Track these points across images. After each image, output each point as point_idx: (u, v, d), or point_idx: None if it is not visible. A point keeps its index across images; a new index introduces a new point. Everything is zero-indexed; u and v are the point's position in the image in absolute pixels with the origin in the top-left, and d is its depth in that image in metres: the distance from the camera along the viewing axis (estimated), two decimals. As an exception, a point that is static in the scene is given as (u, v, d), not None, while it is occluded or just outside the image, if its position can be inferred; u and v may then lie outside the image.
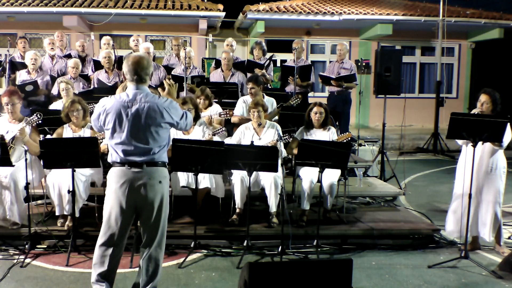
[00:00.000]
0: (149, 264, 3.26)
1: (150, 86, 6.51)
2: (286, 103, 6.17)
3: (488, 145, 4.51)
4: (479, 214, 4.59)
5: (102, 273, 3.23)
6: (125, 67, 3.17)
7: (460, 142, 4.63)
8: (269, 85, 7.31)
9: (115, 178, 3.15)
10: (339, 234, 4.90)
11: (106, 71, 6.84)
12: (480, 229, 4.60)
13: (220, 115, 5.66)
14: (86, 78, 6.98)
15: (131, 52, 7.58)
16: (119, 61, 7.19)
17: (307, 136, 5.23)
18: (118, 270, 3.99)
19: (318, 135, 5.22)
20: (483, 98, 4.52)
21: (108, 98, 3.20)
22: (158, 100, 3.17)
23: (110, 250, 3.20)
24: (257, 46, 7.51)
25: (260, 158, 4.35)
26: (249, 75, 6.64)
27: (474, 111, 4.54)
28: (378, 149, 7.72)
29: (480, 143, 4.37)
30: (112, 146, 3.16)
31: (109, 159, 3.21)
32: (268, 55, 7.63)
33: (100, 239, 3.22)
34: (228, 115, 5.69)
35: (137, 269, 3.52)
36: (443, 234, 5.09)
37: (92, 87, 6.67)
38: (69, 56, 7.29)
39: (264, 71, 7.00)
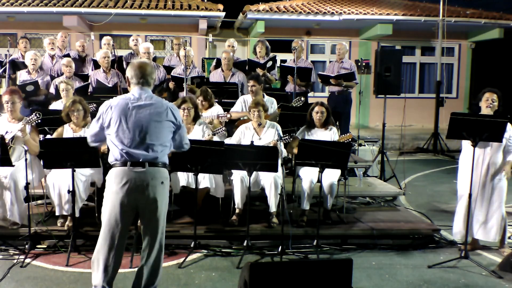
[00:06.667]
0: (152, 264, 3.25)
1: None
2: (289, 105, 6.15)
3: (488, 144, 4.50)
4: (487, 214, 4.55)
5: (106, 279, 3.16)
6: (131, 71, 3.25)
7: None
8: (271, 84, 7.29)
9: (116, 179, 3.11)
10: (339, 234, 4.90)
11: (104, 71, 6.81)
12: (483, 229, 4.58)
13: (218, 117, 5.63)
14: (84, 78, 6.98)
15: (131, 52, 7.60)
16: (118, 61, 7.18)
17: (308, 136, 5.24)
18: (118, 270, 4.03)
19: (320, 134, 5.22)
20: (492, 95, 4.51)
21: (114, 98, 3.26)
22: (163, 100, 3.29)
23: (112, 253, 3.16)
24: (260, 44, 7.39)
25: (260, 158, 4.35)
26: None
27: (484, 111, 4.50)
28: (378, 149, 7.72)
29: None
30: (114, 144, 3.14)
31: (110, 159, 3.18)
32: (271, 55, 7.59)
33: (102, 242, 3.16)
34: (226, 118, 5.66)
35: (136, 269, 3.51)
36: (443, 234, 5.09)
37: (90, 87, 6.66)
38: (67, 56, 7.28)
39: (265, 71, 6.98)
